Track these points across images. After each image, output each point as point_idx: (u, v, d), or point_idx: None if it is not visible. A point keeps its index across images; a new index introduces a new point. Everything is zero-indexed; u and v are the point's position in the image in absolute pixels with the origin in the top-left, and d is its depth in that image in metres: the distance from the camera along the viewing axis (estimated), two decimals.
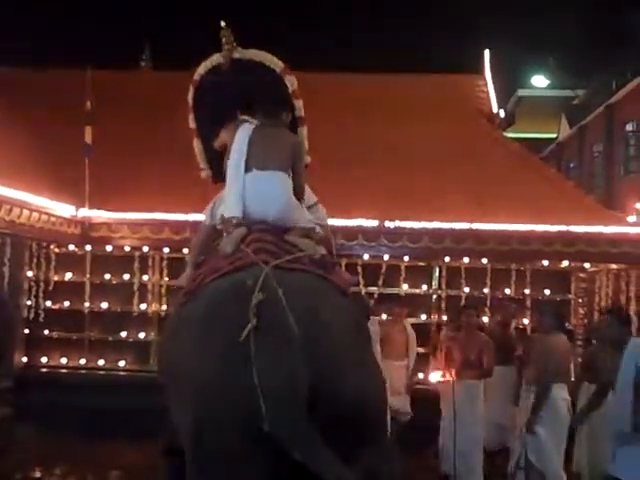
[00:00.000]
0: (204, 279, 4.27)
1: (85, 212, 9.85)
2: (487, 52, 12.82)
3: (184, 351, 3.99)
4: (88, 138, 9.84)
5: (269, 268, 4.01)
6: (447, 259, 10.42)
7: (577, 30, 31.61)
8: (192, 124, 5.94)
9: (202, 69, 5.67)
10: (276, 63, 5.42)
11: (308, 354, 3.71)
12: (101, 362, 11.01)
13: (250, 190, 4.65)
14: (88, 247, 10.61)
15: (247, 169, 4.70)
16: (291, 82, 5.45)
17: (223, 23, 5.55)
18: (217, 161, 5.56)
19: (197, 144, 5.98)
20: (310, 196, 5.13)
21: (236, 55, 5.52)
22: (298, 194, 4.81)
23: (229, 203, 4.73)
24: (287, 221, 4.64)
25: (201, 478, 3.86)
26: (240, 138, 4.84)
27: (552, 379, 6.90)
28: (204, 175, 6.06)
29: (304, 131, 5.24)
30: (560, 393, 7.00)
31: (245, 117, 5.11)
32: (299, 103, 5.24)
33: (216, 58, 5.61)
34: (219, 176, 5.48)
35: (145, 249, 10.55)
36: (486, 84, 12.65)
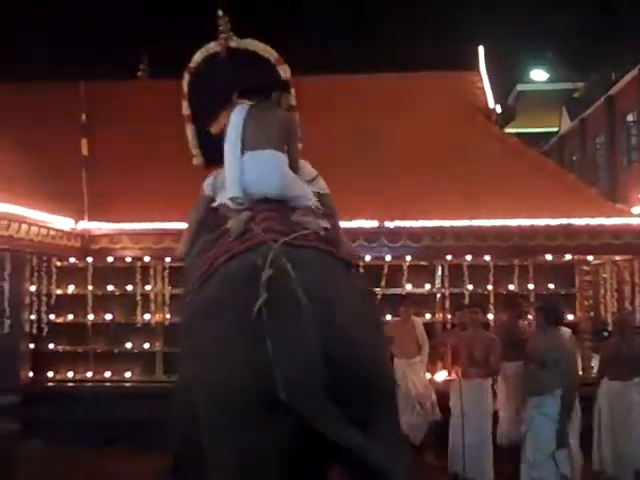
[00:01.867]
0: (215, 261, 4.36)
1: (85, 224, 9.82)
2: (481, 48, 12.77)
3: (200, 333, 4.06)
4: (84, 150, 9.85)
5: (278, 246, 4.11)
6: (449, 257, 10.37)
7: (574, 22, 31.55)
8: (186, 110, 6.09)
9: (198, 56, 6.02)
10: (270, 52, 5.71)
11: (320, 323, 3.78)
12: (107, 374, 10.99)
13: (247, 172, 4.77)
14: (89, 259, 10.60)
15: (242, 152, 4.82)
16: (284, 71, 5.69)
17: (220, 12, 5.86)
18: (209, 147, 5.73)
19: (190, 130, 6.11)
20: (310, 171, 5.25)
21: (232, 44, 5.82)
22: (293, 168, 4.94)
23: (229, 186, 4.85)
24: (288, 196, 4.80)
25: (218, 449, 3.90)
26: (235, 121, 4.95)
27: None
28: (196, 162, 6.17)
29: (296, 117, 5.40)
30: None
31: (241, 100, 5.21)
32: (292, 92, 5.44)
33: (212, 46, 5.93)
34: (211, 162, 5.66)
35: (146, 259, 10.53)
36: (481, 80, 12.60)
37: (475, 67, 12.86)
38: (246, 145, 4.82)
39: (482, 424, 8.03)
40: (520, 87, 36.70)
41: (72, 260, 10.73)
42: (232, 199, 4.79)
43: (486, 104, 12.37)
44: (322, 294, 3.91)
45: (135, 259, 10.49)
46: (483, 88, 12.54)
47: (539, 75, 36.60)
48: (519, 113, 35.09)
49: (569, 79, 33.03)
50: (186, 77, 6.12)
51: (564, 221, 9.64)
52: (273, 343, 3.69)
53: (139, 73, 17.18)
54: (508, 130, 24.99)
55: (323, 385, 3.65)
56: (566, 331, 7.17)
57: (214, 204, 5.03)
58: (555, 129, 32.30)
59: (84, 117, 9.85)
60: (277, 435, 3.74)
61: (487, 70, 12.79)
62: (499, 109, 12.79)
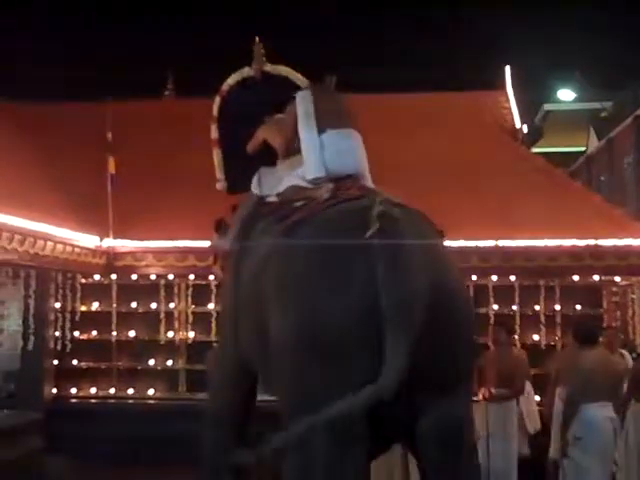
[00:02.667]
0: (305, 215, 4.37)
1: (109, 242, 9.88)
2: (508, 68, 12.74)
3: (290, 267, 4.07)
4: (111, 168, 9.91)
5: (380, 196, 4.12)
6: (474, 277, 10.28)
7: (602, 42, 31.41)
8: (214, 134, 6.11)
9: (231, 80, 6.18)
10: (302, 80, 5.81)
11: (426, 263, 3.82)
12: (131, 391, 10.99)
13: (329, 149, 4.85)
14: (113, 276, 10.65)
15: (320, 130, 4.89)
16: None
17: (257, 39, 6.02)
18: (234, 172, 5.88)
19: (217, 154, 6.14)
20: None
21: (266, 68, 5.98)
22: None
23: (310, 165, 4.89)
24: (363, 174, 4.99)
25: (308, 379, 3.84)
26: (303, 104, 5.05)
27: (581, 398, 6.57)
28: (219, 186, 6.19)
29: None
30: (601, 412, 6.59)
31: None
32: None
33: (246, 71, 6.07)
34: (235, 187, 5.81)
35: (170, 277, 10.57)
36: (508, 100, 12.54)
37: (502, 87, 12.81)
38: (324, 124, 4.91)
39: (508, 447, 7.91)
40: (547, 106, 36.47)
41: (96, 277, 10.79)
42: (314, 180, 4.81)
43: (512, 124, 12.31)
44: (426, 238, 4.00)
45: (159, 277, 10.54)
46: (510, 108, 12.48)
47: (566, 94, 36.32)
48: (546, 132, 34.88)
49: (597, 98, 32.74)
50: (217, 101, 6.16)
51: (591, 242, 9.53)
52: (380, 274, 3.67)
53: (165, 92, 17.36)
54: (535, 150, 24.82)
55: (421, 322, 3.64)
56: (593, 351, 6.96)
57: (279, 189, 5.03)
58: (582, 149, 32.04)
59: (110, 135, 9.90)
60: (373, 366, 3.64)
61: (514, 90, 12.75)
62: (525, 129, 12.73)
